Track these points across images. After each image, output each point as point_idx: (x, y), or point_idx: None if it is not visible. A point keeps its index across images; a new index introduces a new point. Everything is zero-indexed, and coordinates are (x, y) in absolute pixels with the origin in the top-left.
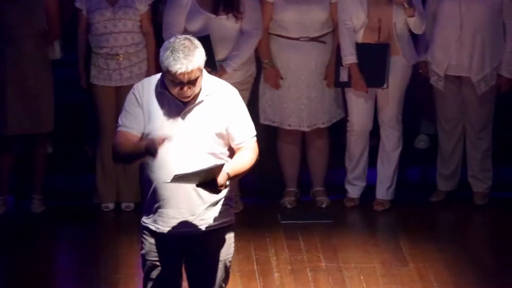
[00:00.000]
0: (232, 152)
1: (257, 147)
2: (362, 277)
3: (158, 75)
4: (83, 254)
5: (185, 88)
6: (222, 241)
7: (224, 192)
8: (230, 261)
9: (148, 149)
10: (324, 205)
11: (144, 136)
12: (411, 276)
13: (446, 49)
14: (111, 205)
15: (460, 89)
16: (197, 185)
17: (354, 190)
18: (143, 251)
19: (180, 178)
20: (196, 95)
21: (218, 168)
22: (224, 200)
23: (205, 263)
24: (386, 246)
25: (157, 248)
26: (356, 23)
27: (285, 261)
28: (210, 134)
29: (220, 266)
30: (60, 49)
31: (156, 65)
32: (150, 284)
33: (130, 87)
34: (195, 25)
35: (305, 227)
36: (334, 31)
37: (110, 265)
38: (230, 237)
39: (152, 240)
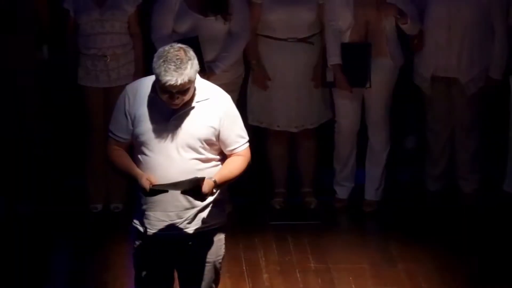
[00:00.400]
0: (225, 156)
1: (249, 153)
2: (351, 278)
3: (152, 77)
4: (72, 255)
5: (174, 98)
6: (212, 243)
7: (211, 196)
8: (220, 263)
9: (137, 185)
10: (312, 206)
11: (133, 139)
12: (400, 277)
13: (435, 50)
14: (100, 206)
15: (449, 90)
16: (182, 192)
17: (342, 191)
18: (134, 252)
19: (160, 187)
20: (188, 101)
21: (199, 181)
22: (214, 203)
23: (194, 265)
24: (375, 247)
25: (147, 250)
26: (342, 24)
27: (274, 262)
28: (199, 140)
29: (210, 268)
30: (46, 51)
31: (143, 67)
32: (142, 284)
33: (118, 88)
34: (184, 26)
35: (294, 228)
36: (322, 32)
37: (99, 265)
38: (220, 238)
39: (142, 242)
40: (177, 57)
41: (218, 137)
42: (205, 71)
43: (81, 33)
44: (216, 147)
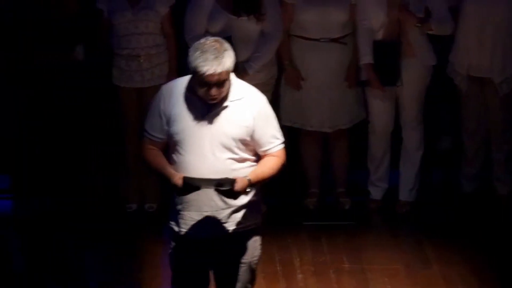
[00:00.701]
0: (259, 156)
1: (284, 154)
2: (385, 279)
3: (187, 77)
4: (107, 255)
5: (213, 90)
6: (247, 243)
7: (247, 196)
8: (256, 263)
9: (170, 184)
10: (347, 206)
11: (168, 138)
12: (435, 278)
13: (467, 50)
14: (134, 206)
15: (482, 90)
16: (215, 190)
17: (376, 192)
18: (170, 254)
19: (192, 180)
20: (222, 100)
21: (228, 181)
22: (250, 204)
23: (230, 266)
24: (410, 248)
25: (182, 250)
26: (375, 24)
27: (308, 262)
28: (233, 139)
29: (246, 268)
30: (82, 51)
31: (177, 67)
32: (179, 284)
33: (151, 88)
34: (217, 27)
35: (328, 228)
36: (355, 32)
37: (134, 265)
38: (255, 239)
39: (178, 242)
40: (214, 47)
41: (252, 137)
42: (239, 72)
43: (115, 33)
44: (250, 147)
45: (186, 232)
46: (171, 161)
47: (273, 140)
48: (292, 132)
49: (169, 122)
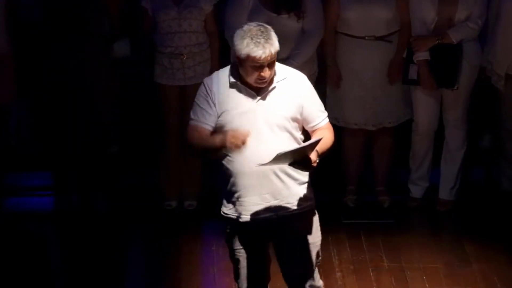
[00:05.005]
0: (305, 135)
1: (331, 126)
2: (424, 277)
3: (227, 68)
4: (146, 253)
5: (266, 71)
6: (308, 223)
7: (302, 174)
8: (319, 244)
9: (225, 144)
10: (386, 205)
11: (217, 128)
12: (475, 277)
13: (507, 48)
14: (174, 203)
15: None
16: (290, 164)
17: (417, 190)
18: (228, 242)
19: (277, 158)
20: (269, 81)
21: (315, 144)
22: (305, 185)
23: (294, 247)
24: (449, 247)
25: (242, 236)
26: (426, 20)
27: (347, 261)
28: (286, 119)
29: (312, 248)
30: (128, 47)
31: (219, 65)
32: (240, 272)
33: (193, 86)
34: None
35: (367, 226)
36: (400, 29)
37: (172, 263)
38: (315, 219)
39: (237, 230)
40: (261, 31)
41: (301, 113)
42: None
43: (159, 31)
44: (299, 126)
45: (246, 218)
46: (225, 154)
47: (320, 114)
48: (335, 128)
49: (219, 111)
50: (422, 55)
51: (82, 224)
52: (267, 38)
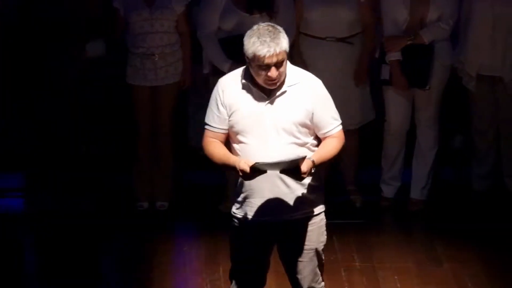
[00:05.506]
0: (319, 140)
1: (343, 135)
2: (396, 277)
3: (241, 69)
4: (117, 254)
5: (273, 71)
6: (313, 229)
7: (309, 179)
8: (322, 249)
9: (236, 170)
10: (358, 204)
11: (230, 128)
12: (446, 276)
13: (479, 49)
14: (146, 204)
15: (493, 89)
16: (281, 172)
17: (389, 190)
18: (232, 241)
19: (262, 166)
20: (280, 85)
21: (301, 160)
22: (313, 189)
23: (297, 252)
24: (421, 246)
25: (245, 236)
26: (398, 21)
27: None
28: (294, 124)
29: (313, 254)
30: (103, 48)
31: (191, 65)
32: (237, 273)
33: (165, 87)
34: (229, 24)
35: (339, 226)
36: (364, 31)
37: (144, 264)
38: (321, 225)
39: (241, 229)
40: (268, 30)
41: (312, 120)
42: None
43: (131, 32)
44: (310, 131)
45: (251, 218)
46: (234, 152)
47: (332, 122)
48: None
49: (229, 112)
50: (394, 56)
51: (52, 225)
52: (274, 38)
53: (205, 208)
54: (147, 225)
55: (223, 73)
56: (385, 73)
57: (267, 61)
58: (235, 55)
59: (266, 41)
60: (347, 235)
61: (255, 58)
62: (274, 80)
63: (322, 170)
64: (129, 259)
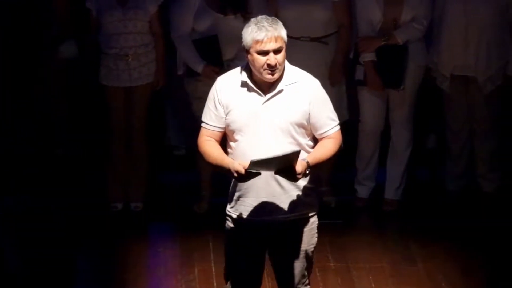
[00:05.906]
0: (316, 142)
1: (340, 136)
2: (371, 277)
3: (238, 67)
4: (92, 255)
5: (271, 57)
6: (304, 230)
7: (304, 180)
8: (312, 251)
9: (230, 172)
10: (332, 205)
11: (226, 127)
12: (420, 276)
13: (452, 49)
14: (120, 205)
15: (467, 89)
16: (275, 172)
17: (363, 190)
18: (226, 240)
19: (257, 164)
20: (277, 83)
21: (294, 154)
22: (307, 191)
23: (287, 252)
24: (395, 246)
25: (240, 236)
26: (372, 21)
27: None
28: (291, 124)
29: (303, 256)
30: (75, 49)
31: (165, 66)
32: (232, 272)
33: (139, 87)
34: (203, 25)
35: None
36: (338, 31)
37: (119, 265)
38: (312, 227)
39: (235, 229)
40: (266, 18)
41: (308, 120)
42: (224, 70)
43: (103, 32)
44: (307, 132)
45: (244, 217)
46: (229, 150)
47: (329, 122)
48: None
49: (226, 111)
50: (368, 56)
51: (26, 226)
52: (271, 24)
53: (180, 208)
54: (122, 226)
55: (197, 74)
56: (359, 74)
57: (266, 46)
58: (209, 56)
59: (264, 26)
60: (322, 235)
61: (254, 44)
62: (274, 68)
63: (325, 170)
64: (103, 261)
